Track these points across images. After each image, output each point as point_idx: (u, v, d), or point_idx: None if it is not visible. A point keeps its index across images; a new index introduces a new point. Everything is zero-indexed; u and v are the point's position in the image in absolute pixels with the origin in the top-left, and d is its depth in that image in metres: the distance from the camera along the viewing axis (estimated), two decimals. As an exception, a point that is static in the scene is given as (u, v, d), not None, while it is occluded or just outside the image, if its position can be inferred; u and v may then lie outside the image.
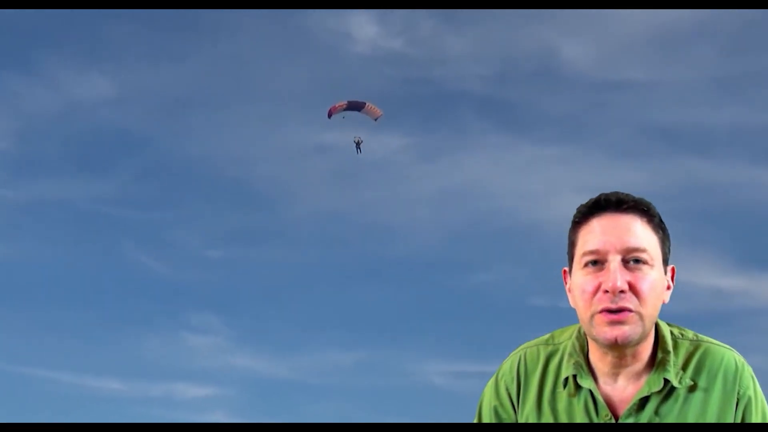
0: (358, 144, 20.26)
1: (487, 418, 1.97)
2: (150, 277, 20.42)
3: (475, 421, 2.00)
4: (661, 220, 1.81)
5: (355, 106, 19.91)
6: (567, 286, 1.86)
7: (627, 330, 1.73)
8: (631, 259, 1.74)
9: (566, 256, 1.86)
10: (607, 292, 1.73)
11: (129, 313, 20.62)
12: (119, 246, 20.92)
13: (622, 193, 1.80)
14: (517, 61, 20.81)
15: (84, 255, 21.14)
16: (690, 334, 1.88)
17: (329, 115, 19.78)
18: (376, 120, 20.46)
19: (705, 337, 1.88)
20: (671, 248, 1.83)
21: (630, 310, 1.73)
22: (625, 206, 1.77)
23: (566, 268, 1.86)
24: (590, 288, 1.75)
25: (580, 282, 1.78)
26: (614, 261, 1.74)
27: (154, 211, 21.45)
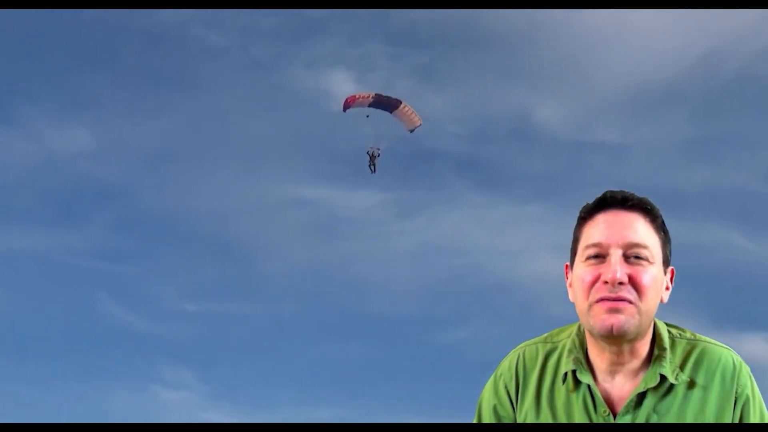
0: (372, 157, 17.64)
1: (487, 417, 1.97)
2: (123, 330, 20.53)
3: (475, 420, 2.00)
4: (663, 223, 1.84)
5: (386, 104, 14.31)
6: (568, 281, 1.87)
7: (623, 319, 1.74)
8: (633, 255, 1.77)
9: (569, 253, 1.89)
10: (606, 283, 1.75)
11: (100, 366, 20.48)
12: (93, 298, 21.10)
13: (627, 192, 1.83)
14: (493, 120, 21.53)
15: (57, 307, 21.13)
16: (688, 333, 1.89)
17: (345, 108, 16.95)
18: (412, 131, 14.33)
19: (703, 337, 1.89)
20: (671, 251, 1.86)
21: (629, 302, 1.75)
22: (629, 204, 1.81)
23: (568, 263, 1.88)
24: (590, 278, 1.77)
25: (580, 273, 1.80)
26: (615, 254, 1.76)
27: (129, 264, 21.84)
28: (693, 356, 1.85)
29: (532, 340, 1.98)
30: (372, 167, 17.14)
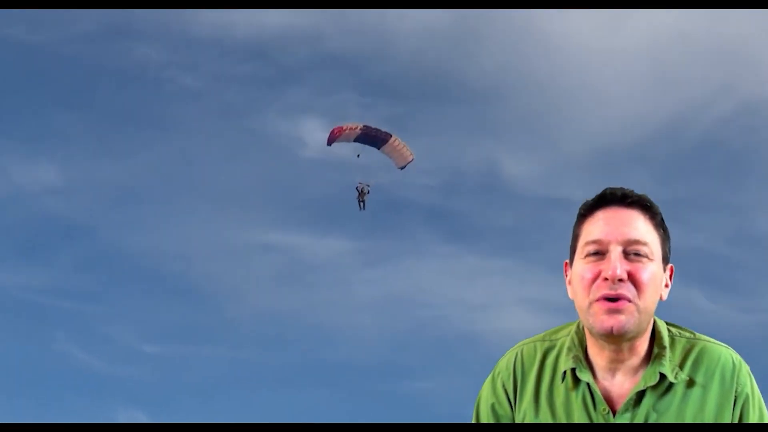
0: (362, 194, 16.62)
1: (485, 416, 1.96)
2: (79, 369, 19.92)
3: (473, 419, 1.99)
4: (662, 220, 1.84)
5: (375, 138, 12.98)
6: (567, 278, 1.87)
7: (623, 320, 1.74)
8: (632, 252, 1.77)
9: (568, 250, 1.88)
10: (606, 280, 1.74)
11: (53, 405, 20.06)
12: (50, 336, 20.40)
13: (627, 189, 1.83)
14: (463, 173, 21.56)
15: (12, 343, 20.57)
16: (687, 332, 1.89)
17: (330, 141, 15.70)
18: (403, 168, 13.11)
19: (702, 336, 1.89)
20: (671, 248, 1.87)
21: (628, 300, 1.75)
22: (629, 200, 1.81)
23: (567, 261, 1.87)
24: (590, 275, 1.77)
25: (580, 270, 1.80)
26: (615, 251, 1.76)
27: (89, 303, 21.23)
28: (692, 355, 1.84)
29: (530, 339, 1.96)
30: (361, 203, 15.87)
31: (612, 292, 1.74)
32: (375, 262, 22.74)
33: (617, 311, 1.74)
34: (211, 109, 21.25)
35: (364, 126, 14.69)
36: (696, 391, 1.81)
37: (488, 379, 1.97)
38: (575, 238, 1.85)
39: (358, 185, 15.66)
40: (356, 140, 14.69)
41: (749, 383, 1.84)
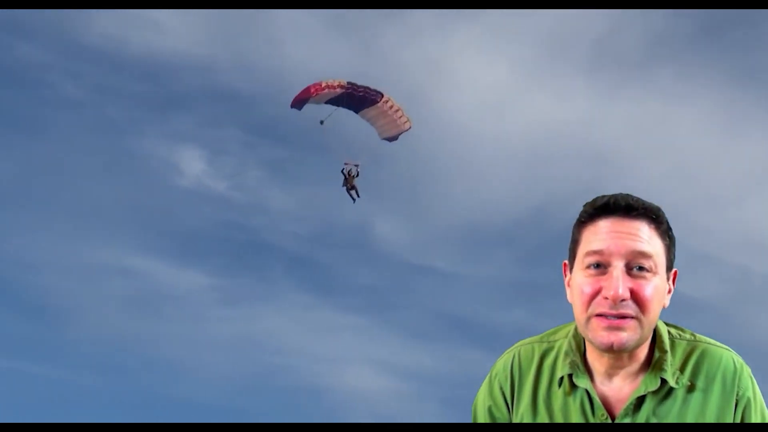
0: (350, 178, 12.95)
1: (482, 418, 1.93)
2: None
3: (472, 422, 1.97)
4: (668, 227, 1.76)
5: (359, 99, 9.98)
6: (566, 280, 1.81)
7: (624, 337, 1.69)
8: (635, 266, 1.70)
9: (567, 252, 1.83)
10: (607, 298, 1.68)
11: None
12: None
13: (632, 198, 1.74)
14: (335, 227, 21.68)
15: None
16: (687, 333, 1.85)
17: (298, 104, 11.90)
18: (394, 139, 9.75)
19: (703, 338, 1.85)
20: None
21: (631, 317, 1.69)
22: (634, 213, 1.72)
23: (566, 261, 1.82)
24: (590, 290, 1.71)
25: (580, 282, 1.73)
26: (617, 267, 1.69)
27: None
28: (693, 358, 1.80)
29: (528, 340, 1.93)
30: (353, 192, 12.37)
31: (613, 311, 1.68)
32: (232, 302, 22.19)
33: (618, 328, 1.68)
34: (89, 121, 20.33)
35: (348, 83, 11.10)
36: (697, 395, 1.78)
37: (485, 382, 1.95)
38: (575, 242, 1.78)
39: (345, 167, 12.22)
40: (332, 101, 11.14)
41: (751, 386, 1.81)
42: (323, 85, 10.83)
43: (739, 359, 1.82)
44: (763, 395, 1.87)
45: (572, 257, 1.79)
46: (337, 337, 21.75)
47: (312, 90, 10.82)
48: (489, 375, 1.94)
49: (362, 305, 22.12)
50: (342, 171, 12.45)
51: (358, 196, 12.59)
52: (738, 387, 1.79)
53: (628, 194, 1.75)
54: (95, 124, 20.72)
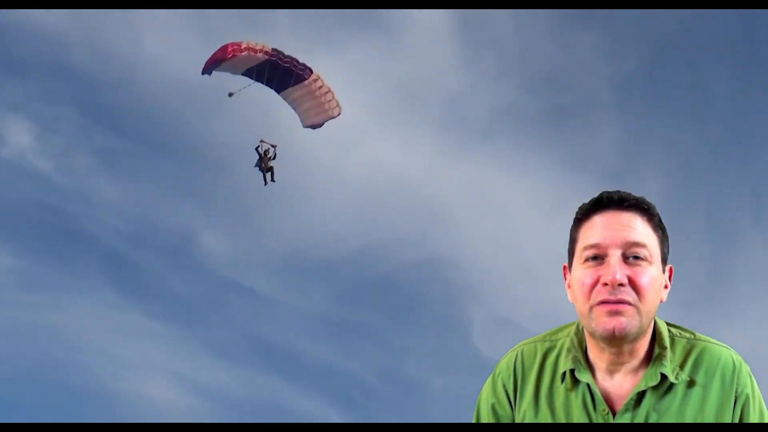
0: (265, 158, 10.88)
1: (485, 416, 1.95)
2: None
3: (474, 420, 1.99)
4: (660, 221, 1.82)
5: (283, 72, 7.86)
6: (566, 282, 1.86)
7: (624, 321, 1.73)
8: (631, 255, 1.76)
9: (566, 254, 1.87)
10: (606, 285, 1.74)
11: None
12: None
13: (624, 192, 1.81)
14: (159, 230, 20.31)
15: None
16: (687, 332, 1.88)
17: (209, 69, 9.84)
18: (316, 127, 8.08)
19: (702, 336, 1.88)
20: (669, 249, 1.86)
21: (629, 303, 1.74)
22: (626, 204, 1.79)
23: (566, 264, 1.86)
24: (589, 280, 1.76)
25: (579, 275, 1.79)
26: (614, 256, 1.75)
27: None
28: (693, 355, 1.83)
29: (531, 339, 1.96)
30: (268, 175, 10.53)
31: (612, 297, 1.73)
32: (34, 287, 21.09)
33: (618, 313, 1.73)
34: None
35: (273, 50, 9.31)
36: (696, 391, 1.81)
37: (489, 379, 1.98)
38: (573, 241, 1.84)
39: (261, 144, 10.40)
40: (250, 72, 9.35)
41: (750, 384, 1.84)
42: (243, 46, 9.05)
43: (738, 357, 1.84)
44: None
45: (571, 256, 1.84)
46: (140, 342, 21.04)
47: (228, 50, 9.01)
48: (492, 373, 1.97)
49: (172, 314, 21.50)
50: (257, 149, 10.82)
51: (273, 180, 10.84)
52: (737, 384, 1.81)
53: (619, 190, 1.81)
54: None
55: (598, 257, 1.76)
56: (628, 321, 1.73)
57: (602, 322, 1.73)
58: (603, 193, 1.81)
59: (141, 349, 21.25)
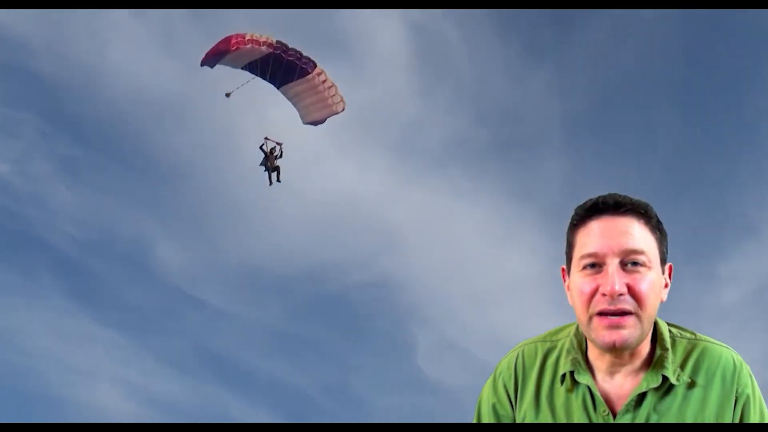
0: (271, 157, 10.36)
1: (486, 416, 1.95)
2: None
3: (475, 419, 1.99)
4: (658, 221, 1.80)
5: (287, 66, 7.49)
6: (566, 284, 1.85)
7: (625, 334, 1.72)
8: (630, 262, 1.73)
9: (564, 256, 1.85)
10: (605, 295, 1.72)
11: None
12: None
13: (619, 195, 1.78)
14: (115, 239, 20.79)
15: None
16: (688, 332, 1.87)
17: (210, 61, 9.23)
18: (318, 123, 7.80)
19: (703, 336, 1.87)
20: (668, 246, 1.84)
21: (629, 313, 1.72)
22: (623, 209, 1.76)
23: (564, 266, 1.85)
24: (588, 290, 1.74)
25: (578, 284, 1.77)
26: (612, 264, 1.73)
27: None
28: (694, 356, 1.82)
29: (531, 339, 1.95)
30: (274, 175, 10.14)
31: (612, 308, 1.71)
32: None
33: (619, 326, 1.71)
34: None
35: (278, 42, 8.96)
36: (697, 392, 1.80)
37: (489, 379, 1.97)
38: (569, 246, 1.82)
39: (266, 142, 9.99)
40: (253, 66, 8.99)
41: (750, 384, 1.83)
42: (246, 38, 8.64)
43: (738, 357, 1.83)
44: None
45: (569, 260, 1.82)
46: (92, 349, 21.03)
47: (232, 42, 8.60)
48: (493, 373, 1.96)
49: (124, 323, 21.66)
50: (261, 147, 10.33)
51: (279, 180, 10.45)
52: (737, 384, 1.80)
53: (615, 193, 1.78)
54: None
55: (596, 265, 1.74)
56: (629, 333, 1.71)
57: (602, 334, 1.72)
58: (599, 197, 1.78)
59: (92, 356, 21.41)
